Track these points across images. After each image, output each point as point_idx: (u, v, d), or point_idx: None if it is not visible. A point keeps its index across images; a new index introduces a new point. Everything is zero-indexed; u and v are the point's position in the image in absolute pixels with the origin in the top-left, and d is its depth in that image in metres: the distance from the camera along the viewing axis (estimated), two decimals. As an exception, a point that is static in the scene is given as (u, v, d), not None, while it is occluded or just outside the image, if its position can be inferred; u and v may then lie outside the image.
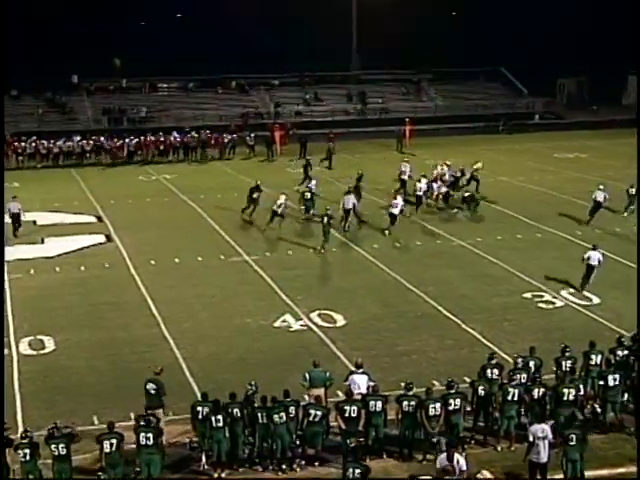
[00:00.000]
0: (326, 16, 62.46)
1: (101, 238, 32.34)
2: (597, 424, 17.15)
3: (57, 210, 36.59)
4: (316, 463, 16.24)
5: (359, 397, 16.65)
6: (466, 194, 35.99)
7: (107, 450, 15.03)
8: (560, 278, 26.48)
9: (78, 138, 51.33)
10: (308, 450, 16.32)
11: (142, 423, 15.49)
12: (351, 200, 32.78)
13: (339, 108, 66.47)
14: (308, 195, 34.54)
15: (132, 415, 16.75)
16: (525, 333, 22.15)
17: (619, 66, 67.29)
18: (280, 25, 65.28)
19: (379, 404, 16.32)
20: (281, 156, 51.67)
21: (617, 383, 17.25)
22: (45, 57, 59.33)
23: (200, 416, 16.07)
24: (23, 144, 49.75)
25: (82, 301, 25.36)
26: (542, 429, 15.25)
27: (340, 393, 17.61)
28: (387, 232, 32.12)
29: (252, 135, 53.18)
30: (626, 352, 18.21)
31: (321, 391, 17.35)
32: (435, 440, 16.13)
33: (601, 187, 33.42)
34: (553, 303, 24.56)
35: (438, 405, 16.24)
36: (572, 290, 25.47)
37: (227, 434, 15.83)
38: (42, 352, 21.49)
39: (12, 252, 29.58)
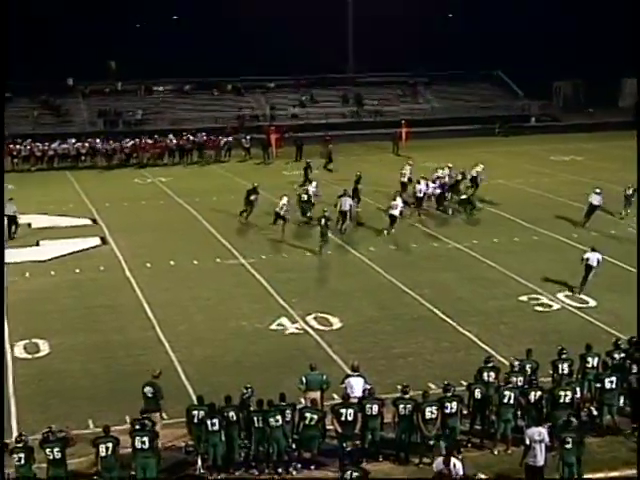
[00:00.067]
0: (322, 18, 62.57)
1: (96, 241, 32.28)
2: (593, 427, 17.10)
3: (52, 213, 36.50)
4: (312, 467, 16.15)
5: (355, 400, 16.59)
6: (462, 197, 35.97)
7: (103, 454, 14.95)
8: (556, 281, 26.47)
9: (73, 141, 51.26)
10: (304, 454, 16.25)
11: (137, 427, 15.40)
12: (347, 202, 32.77)
13: (335, 111, 66.47)
14: (305, 197, 34.51)
15: (127, 419, 16.65)
16: (521, 336, 22.09)
17: (615, 69, 67.38)
18: (276, 27, 65.27)
19: (375, 407, 16.26)
20: (277, 159, 51.65)
21: (614, 386, 17.22)
22: (40, 59, 59.33)
23: (196, 420, 16.01)
24: (18, 147, 49.70)
25: (77, 304, 25.28)
26: (539, 432, 15.20)
27: (336, 396, 17.55)
28: (386, 232, 32.11)
29: (248, 138, 53.18)
30: (623, 355, 18.18)
31: (317, 394, 17.27)
32: (432, 443, 16.09)
33: (597, 190, 33.41)
34: (550, 306, 24.53)
35: (435, 408, 16.17)
36: (568, 293, 25.45)
37: (223, 438, 15.77)
38: (37, 355, 21.40)
39: (7, 255, 29.46)
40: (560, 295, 25.25)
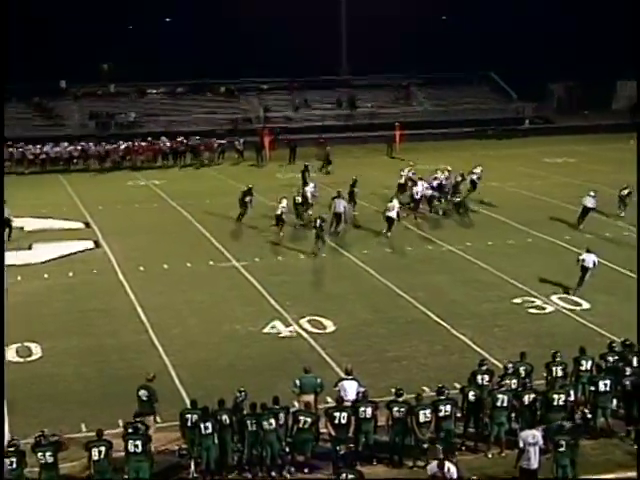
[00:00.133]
0: (315, 21, 62.53)
1: (89, 244, 32.19)
2: (587, 430, 17.08)
3: (45, 216, 36.40)
4: (306, 470, 16.09)
5: (349, 404, 16.55)
6: (456, 199, 35.93)
7: (95, 458, 14.88)
8: (550, 283, 26.47)
9: (66, 144, 51.13)
10: (298, 457, 16.18)
11: (130, 430, 15.34)
12: (342, 204, 32.74)
13: (328, 113, 66.46)
14: (299, 199, 34.45)
15: (120, 422, 16.56)
16: (516, 339, 22.07)
17: (609, 71, 67.48)
18: (270, 30, 65.27)
19: (369, 410, 16.22)
20: (270, 161, 51.61)
21: (608, 389, 17.21)
22: (33, 62, 59.18)
23: (189, 423, 15.95)
24: (10, 150, 49.54)
25: (70, 307, 25.20)
26: (532, 435, 15.18)
27: (330, 399, 17.50)
28: (388, 234, 32.07)
29: (241, 140, 53.18)
30: (616, 357, 18.17)
31: (311, 397, 17.22)
32: (426, 446, 16.03)
33: (592, 193, 33.45)
34: (543, 308, 24.52)
35: (428, 411, 16.13)
36: (562, 295, 25.44)
37: (216, 441, 15.70)
38: (29, 359, 21.29)
39: (0, 258, 29.41)
40: (554, 297, 25.24)
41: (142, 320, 23.93)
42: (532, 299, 25.19)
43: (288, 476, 15.98)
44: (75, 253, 30.91)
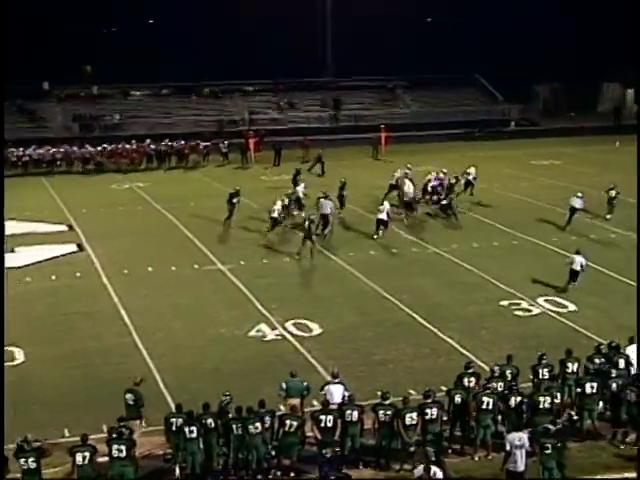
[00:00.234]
0: (300, 22, 62.44)
1: (72, 247, 31.96)
2: (574, 432, 17.04)
3: (28, 219, 36.08)
4: (292, 474, 16.02)
5: (335, 407, 16.45)
6: (443, 202, 35.85)
7: (80, 463, 14.77)
8: (536, 285, 26.49)
9: (49, 147, 50.79)
10: (284, 460, 16.09)
11: (114, 435, 15.22)
12: (328, 205, 32.65)
13: (314, 115, 66.38)
14: (286, 202, 34.34)
15: (104, 427, 16.44)
16: (502, 341, 22.06)
17: (594, 73, 67.68)
18: (254, 31, 65.15)
19: (355, 414, 16.16)
20: (255, 163, 51.47)
21: (594, 391, 17.21)
22: (15, 63, 58.68)
23: (174, 427, 15.86)
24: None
25: (53, 311, 25.02)
26: (519, 437, 15.16)
27: (316, 403, 17.41)
28: (380, 235, 32.09)
29: (226, 142, 52.96)
30: (603, 360, 18.15)
31: (297, 401, 17.17)
32: (412, 449, 15.98)
33: (579, 194, 33.51)
34: (530, 311, 24.50)
35: (415, 414, 16.08)
36: (549, 297, 25.44)
37: (201, 445, 15.61)
38: (12, 364, 21.01)
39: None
40: (540, 300, 25.22)
41: (126, 323, 23.79)
42: (518, 301, 25.17)
43: (274, 480, 15.89)
44: (58, 256, 30.66)
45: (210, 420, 15.78)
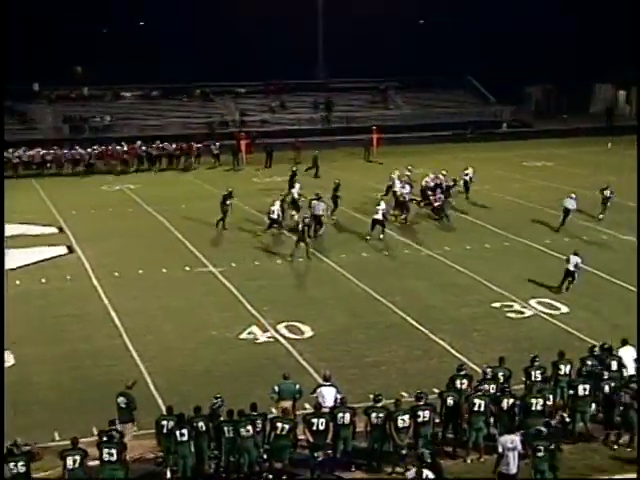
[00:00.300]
0: (292, 23, 62.37)
1: (63, 249, 31.81)
2: (566, 434, 16.99)
3: (17, 221, 35.82)
4: (284, 477, 15.87)
5: (327, 410, 16.37)
6: (436, 204, 35.78)
7: (70, 467, 14.65)
8: (529, 287, 26.45)
9: (39, 149, 50.56)
10: (275, 464, 15.97)
11: (105, 438, 15.10)
12: (321, 206, 32.57)
13: (305, 117, 66.32)
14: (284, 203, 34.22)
15: (95, 430, 16.29)
16: (494, 343, 22.00)
17: (586, 74, 67.82)
18: (246, 33, 65.09)
19: (347, 416, 16.09)
20: (247, 165, 51.36)
21: (587, 393, 17.17)
22: (6, 64, 58.48)
23: (165, 430, 15.76)
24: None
25: (43, 314, 24.88)
26: (511, 440, 15.10)
27: (308, 406, 17.33)
28: (376, 234, 31.99)
29: (217, 144, 52.82)
30: (595, 362, 18.11)
31: (290, 404, 17.08)
32: (404, 452, 15.90)
33: (573, 195, 33.53)
34: (522, 313, 24.45)
35: (407, 417, 16.00)
36: (541, 299, 25.40)
37: (192, 448, 15.51)
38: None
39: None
40: (532, 301, 25.18)
41: (116, 326, 23.67)
42: (510, 303, 25.12)
43: (265, 484, 15.80)
44: (48, 259, 30.53)
45: (201, 423, 15.69)
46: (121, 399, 16.69)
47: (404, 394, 18.26)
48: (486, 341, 22.33)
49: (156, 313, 24.81)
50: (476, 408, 16.43)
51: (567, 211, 33.26)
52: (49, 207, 39.60)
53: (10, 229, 34.26)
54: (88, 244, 32.22)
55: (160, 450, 15.99)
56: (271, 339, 22.64)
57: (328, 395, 16.89)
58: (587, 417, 17.29)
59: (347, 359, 21.27)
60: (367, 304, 25.45)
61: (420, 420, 16.06)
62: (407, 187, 36.17)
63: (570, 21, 66.61)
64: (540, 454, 14.96)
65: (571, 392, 17.30)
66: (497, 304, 25.06)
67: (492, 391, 16.99)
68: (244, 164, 51.47)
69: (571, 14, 66.80)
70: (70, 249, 31.87)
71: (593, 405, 17.51)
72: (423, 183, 37.41)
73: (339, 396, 16.80)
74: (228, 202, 34.18)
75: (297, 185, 36.79)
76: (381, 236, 32.12)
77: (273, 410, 16.94)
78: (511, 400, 16.73)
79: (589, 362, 18.04)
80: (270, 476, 15.85)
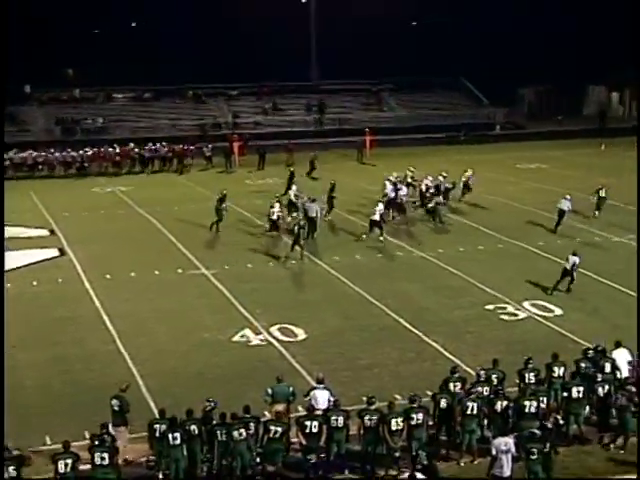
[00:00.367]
0: (285, 25, 62.37)
1: (54, 252, 31.70)
2: (559, 436, 16.94)
3: (8, 224, 35.62)
4: (277, 480, 15.87)
5: (320, 412, 16.30)
6: (429, 205, 35.73)
7: (62, 470, 14.56)
8: (522, 289, 26.40)
9: (31, 151, 50.38)
10: (268, 467, 15.90)
11: (97, 442, 15.03)
12: (314, 208, 32.49)
13: (298, 119, 66.25)
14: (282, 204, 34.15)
15: (87, 434, 16.18)
16: (487, 345, 21.93)
17: (579, 76, 67.95)
18: (238, 34, 65.02)
19: (341, 419, 16.02)
20: (239, 167, 51.27)
21: (581, 395, 17.14)
22: (6, 66, 58.36)
23: (157, 434, 15.67)
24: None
25: (35, 316, 24.74)
26: (505, 442, 15.05)
27: (301, 408, 17.25)
28: (372, 235, 31.94)
29: (209, 146, 52.73)
30: (589, 364, 18.06)
31: (283, 406, 17.02)
32: (398, 455, 15.84)
33: (567, 197, 33.55)
34: (515, 315, 24.40)
35: (400, 419, 15.95)
36: (534, 301, 25.35)
37: (185, 452, 15.43)
38: (-8, 369, 20.82)
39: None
40: (526, 304, 25.12)
41: (108, 328, 23.56)
42: (504, 305, 25.08)
43: (259, 487, 15.71)
44: (39, 261, 30.41)
45: (194, 426, 15.61)
46: (115, 402, 16.60)
47: (397, 397, 18.20)
48: (479, 343, 22.26)
49: (148, 316, 24.70)
50: (469, 411, 16.39)
51: (562, 212, 33.26)
52: (41, 209, 39.47)
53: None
54: (80, 246, 32.10)
55: (152, 453, 15.90)
56: (264, 342, 22.55)
57: (321, 398, 16.81)
58: (581, 419, 17.26)
59: (340, 362, 21.19)
60: (360, 306, 25.37)
61: (413, 423, 16.01)
62: (404, 189, 36.13)
63: (564, 23, 66.78)
64: (534, 457, 14.96)
65: (565, 394, 17.26)
66: (490, 306, 25.00)
67: (486, 393, 16.94)
68: (236, 166, 51.39)
69: (566, 15, 66.97)
70: (62, 251, 31.75)
71: (587, 407, 17.48)
72: (423, 187, 37.31)
73: (332, 399, 16.74)
74: (223, 205, 34.06)
75: (294, 187, 36.75)
76: (380, 238, 32.05)
77: (266, 413, 16.89)
78: (505, 402, 16.69)
79: (582, 364, 18.02)
80: (263, 479, 15.80)
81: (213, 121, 64.30)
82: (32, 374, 20.66)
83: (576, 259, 25.81)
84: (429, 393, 17.57)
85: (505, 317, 24.24)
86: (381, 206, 32.83)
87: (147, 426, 15.95)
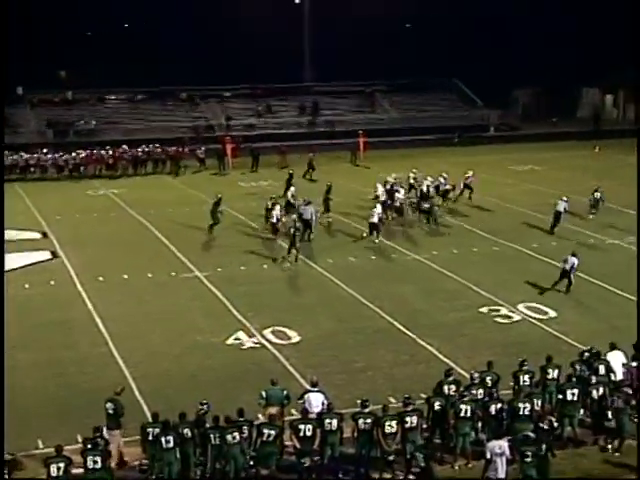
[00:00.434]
0: (278, 27, 62.29)
1: (46, 255, 31.57)
2: (553, 438, 16.88)
3: (2, 226, 35.63)
4: (271, 484, 15.79)
5: (314, 416, 16.22)
6: (425, 206, 35.67)
7: (54, 474, 14.48)
8: (516, 292, 26.36)
9: (22, 153, 50.17)
10: (262, 470, 15.85)
11: (89, 446, 14.93)
12: (309, 210, 32.43)
13: (292, 121, 66.16)
14: (270, 206, 34.05)
15: (79, 437, 16.08)
16: (482, 348, 21.88)
17: (573, 78, 67.99)
18: (232, 36, 64.92)
19: (335, 422, 15.97)
20: (233, 169, 51.16)
21: (575, 398, 17.12)
22: (5, 68, 58.17)
23: (150, 437, 15.61)
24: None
25: (27, 320, 24.59)
26: (499, 445, 15.06)
27: (295, 412, 17.18)
28: (366, 236, 31.91)
29: (203, 148, 52.60)
30: (584, 367, 18.03)
31: (277, 409, 16.94)
32: (391, 458, 15.80)
33: (564, 198, 33.57)
34: (510, 317, 24.36)
35: (394, 422, 15.91)
36: (529, 304, 25.31)
37: (178, 455, 15.36)
38: (-16, 373, 20.70)
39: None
40: (520, 306, 25.08)
41: (101, 331, 23.47)
42: (498, 308, 25.04)
43: (252, 490, 15.63)
44: (32, 264, 30.26)
45: (187, 430, 15.56)
46: (109, 405, 16.54)
47: (392, 399, 18.14)
48: (474, 346, 22.21)
49: (141, 318, 24.62)
50: (462, 414, 16.37)
51: (558, 214, 33.23)
52: (33, 212, 39.30)
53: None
54: (72, 249, 31.98)
55: (145, 457, 15.84)
56: (257, 344, 22.49)
57: (315, 401, 16.75)
58: (575, 422, 17.25)
59: (334, 364, 21.14)
60: (354, 309, 25.32)
61: (407, 426, 15.97)
62: (402, 191, 36.08)
63: (559, 24, 66.82)
64: (528, 459, 14.95)
65: (559, 397, 17.26)
66: (485, 309, 24.96)
67: (480, 396, 16.90)
68: (230, 168, 51.28)
69: (563, 16, 67.00)
70: (54, 254, 31.62)
71: (581, 410, 17.44)
72: (424, 187, 37.26)
73: (326, 402, 16.67)
74: (220, 209, 33.97)
75: (292, 188, 36.70)
76: (376, 240, 32.00)
77: (260, 416, 16.81)
78: (499, 405, 16.66)
79: (577, 367, 17.99)
80: (257, 483, 15.76)
81: (206, 123, 64.17)
82: (25, 377, 20.55)
83: (575, 260, 25.83)
84: (423, 396, 17.55)
85: (499, 319, 24.20)
86: (379, 208, 32.77)
87: (140, 429, 15.90)
